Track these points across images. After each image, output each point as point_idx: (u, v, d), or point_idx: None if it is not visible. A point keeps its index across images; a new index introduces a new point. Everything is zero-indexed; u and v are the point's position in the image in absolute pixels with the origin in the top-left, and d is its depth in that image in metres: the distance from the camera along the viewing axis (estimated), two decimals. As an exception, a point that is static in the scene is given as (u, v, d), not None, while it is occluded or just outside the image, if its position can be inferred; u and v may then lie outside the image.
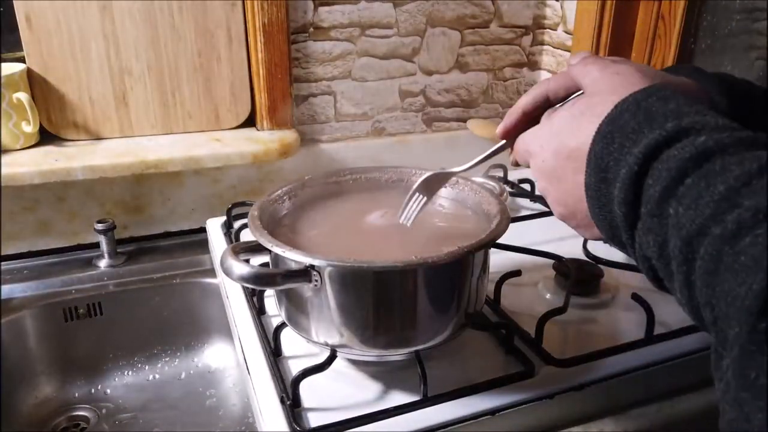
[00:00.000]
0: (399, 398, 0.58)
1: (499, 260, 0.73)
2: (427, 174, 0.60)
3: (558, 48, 1.20)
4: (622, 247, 0.40)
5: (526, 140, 0.49)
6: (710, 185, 0.31)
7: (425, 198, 0.60)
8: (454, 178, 0.70)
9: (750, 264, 0.27)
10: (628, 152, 0.37)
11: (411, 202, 0.60)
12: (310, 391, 0.58)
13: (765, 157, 0.31)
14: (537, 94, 0.50)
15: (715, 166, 0.32)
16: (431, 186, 0.60)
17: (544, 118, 0.49)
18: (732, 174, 0.30)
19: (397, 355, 0.59)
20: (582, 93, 0.47)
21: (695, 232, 0.31)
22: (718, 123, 0.35)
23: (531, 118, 0.51)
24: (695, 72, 0.51)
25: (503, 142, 0.54)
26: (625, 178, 0.36)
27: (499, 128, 0.53)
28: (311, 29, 1.06)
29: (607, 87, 0.42)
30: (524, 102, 0.50)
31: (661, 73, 0.46)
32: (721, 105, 0.48)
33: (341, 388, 0.60)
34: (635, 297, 0.66)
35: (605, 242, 0.42)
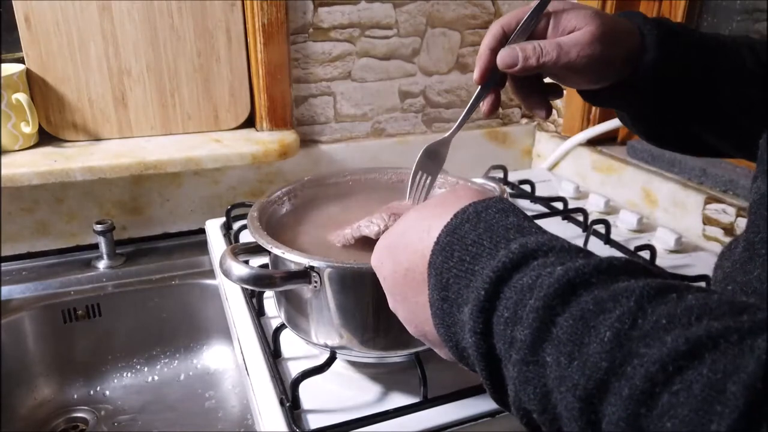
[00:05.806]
0: (399, 400, 0.58)
1: (499, 261, 0.73)
2: (423, 149, 0.58)
3: (558, 49, 1.20)
4: (480, 372, 0.36)
5: (374, 252, 0.46)
6: (591, 329, 0.28)
7: (429, 176, 0.58)
8: (453, 179, 0.70)
9: (681, 430, 0.24)
10: (469, 270, 0.35)
11: (416, 182, 0.58)
12: (309, 392, 0.58)
13: (637, 290, 0.28)
14: (494, 31, 0.54)
15: (587, 303, 0.29)
16: (432, 162, 0.58)
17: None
18: (612, 315, 0.28)
19: (397, 356, 0.59)
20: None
21: (594, 389, 0.27)
22: (564, 245, 0.34)
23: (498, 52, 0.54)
24: (635, 16, 0.54)
25: (479, 88, 0.55)
26: (474, 305, 0.34)
27: (476, 74, 0.55)
28: (311, 30, 1.06)
29: (435, 201, 0.42)
30: (487, 42, 0.54)
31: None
32: (652, 51, 0.51)
33: (341, 390, 0.60)
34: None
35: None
